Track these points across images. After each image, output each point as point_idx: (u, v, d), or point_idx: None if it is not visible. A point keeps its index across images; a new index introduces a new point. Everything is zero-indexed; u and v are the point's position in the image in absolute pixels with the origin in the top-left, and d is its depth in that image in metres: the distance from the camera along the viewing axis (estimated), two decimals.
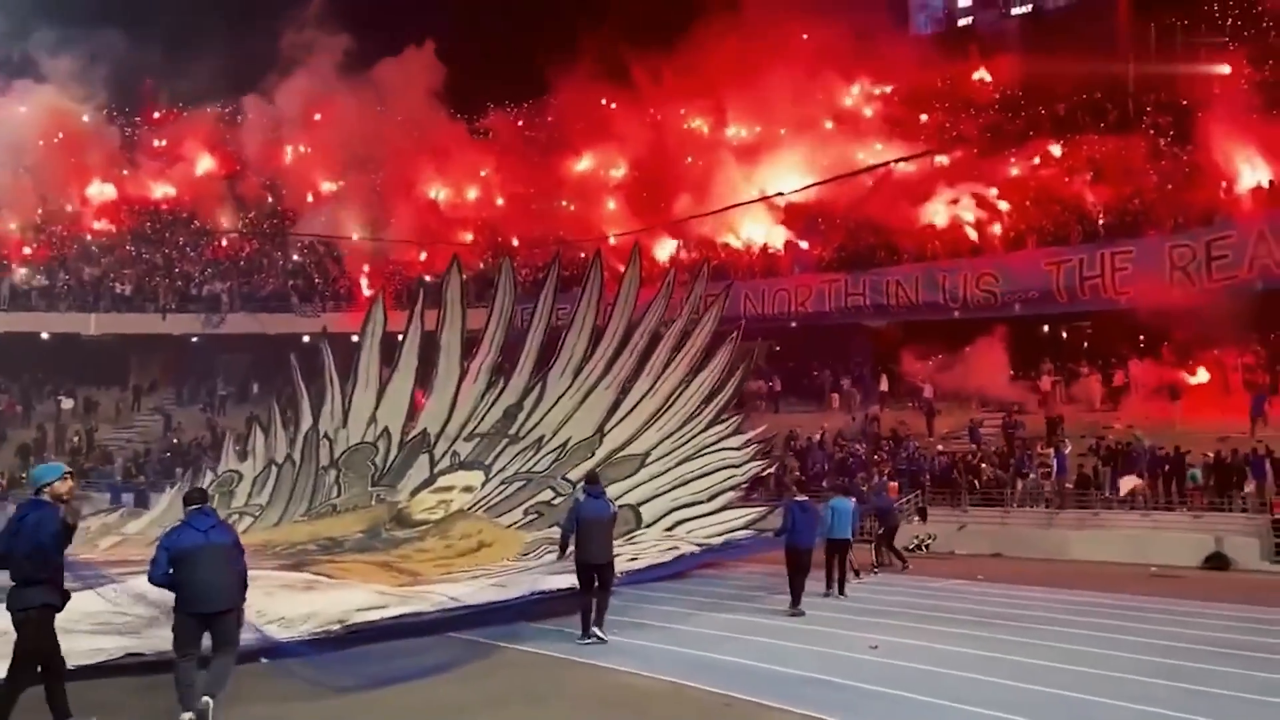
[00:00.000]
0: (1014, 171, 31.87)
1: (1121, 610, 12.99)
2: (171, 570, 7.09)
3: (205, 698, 6.91)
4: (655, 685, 8.68)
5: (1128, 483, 20.65)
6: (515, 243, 38.30)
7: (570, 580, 10.89)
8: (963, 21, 43.58)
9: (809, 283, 31.00)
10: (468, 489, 17.31)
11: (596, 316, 18.71)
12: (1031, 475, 22.29)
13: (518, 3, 48.31)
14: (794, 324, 30.92)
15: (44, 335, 35.97)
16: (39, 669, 6.69)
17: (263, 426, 20.22)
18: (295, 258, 39.78)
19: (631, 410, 18.03)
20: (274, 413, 20.32)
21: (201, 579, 7.02)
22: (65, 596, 6.80)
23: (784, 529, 12.73)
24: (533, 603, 11.23)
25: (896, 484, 23.02)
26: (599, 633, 10.23)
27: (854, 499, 15.49)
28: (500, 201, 42.69)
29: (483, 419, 18.53)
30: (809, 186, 32.31)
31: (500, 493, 17.07)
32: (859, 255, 30.92)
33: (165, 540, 7.25)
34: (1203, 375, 24.48)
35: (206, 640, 7.18)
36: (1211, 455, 20.26)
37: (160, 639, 7.86)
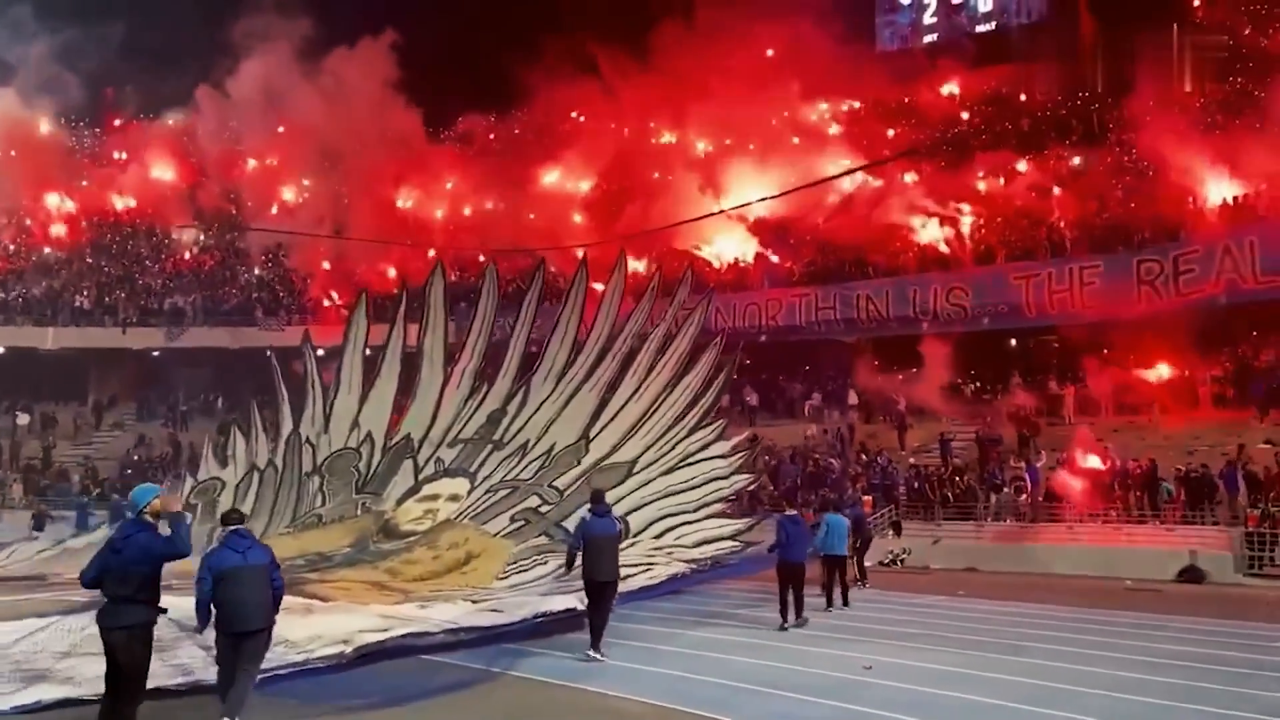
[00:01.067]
0: (981, 187, 32.19)
1: (1104, 625, 13.03)
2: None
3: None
4: (643, 710, 8.52)
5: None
6: (481, 258, 37.99)
7: (567, 601, 11.19)
8: (928, 38, 43.96)
9: (779, 297, 31.06)
10: (454, 497, 17.19)
11: (579, 323, 18.61)
12: (1005, 489, 22.39)
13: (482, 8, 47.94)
14: (764, 338, 30.95)
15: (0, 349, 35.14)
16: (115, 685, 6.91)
17: (243, 431, 19.84)
18: (259, 271, 39.12)
19: (616, 415, 17.91)
20: (254, 417, 19.92)
21: (240, 598, 7.35)
22: (158, 613, 7.04)
23: (776, 544, 12.74)
24: (535, 625, 11.27)
25: (870, 498, 23.03)
26: (596, 654, 10.25)
27: (847, 513, 15.63)
28: (467, 211, 42.35)
29: (466, 424, 18.38)
30: (781, 194, 32.33)
31: (486, 500, 16.94)
32: (829, 269, 31.05)
33: (208, 560, 7.51)
34: (1169, 387, 24.81)
35: None
36: (1183, 469, 20.47)
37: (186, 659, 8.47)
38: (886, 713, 8.38)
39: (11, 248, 39.77)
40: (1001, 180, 32.28)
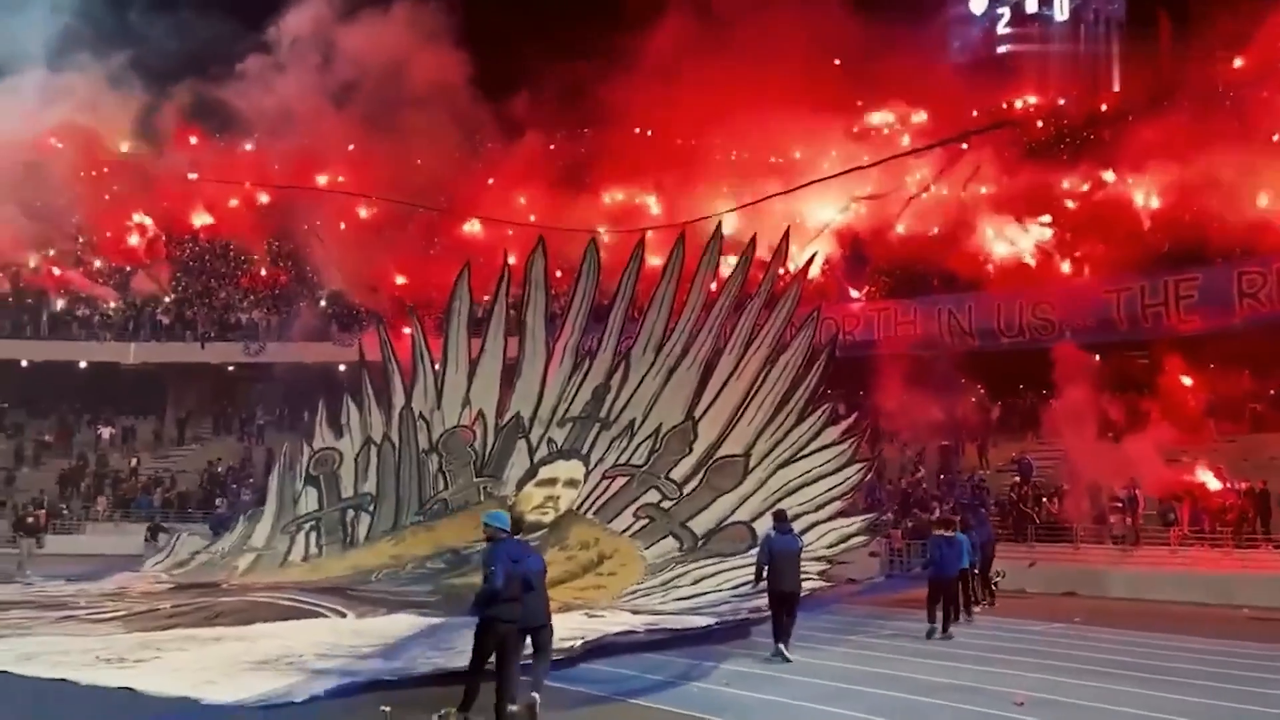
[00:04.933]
0: (1069, 203, 31.28)
1: (1246, 658, 12.33)
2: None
3: (534, 694, 8.16)
4: None
5: None
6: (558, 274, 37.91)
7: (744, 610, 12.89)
8: (1002, 48, 43.11)
9: (857, 310, 30.47)
10: (571, 482, 17.75)
11: (675, 293, 18.76)
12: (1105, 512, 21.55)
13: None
14: (838, 353, 30.25)
15: (82, 364, 35.86)
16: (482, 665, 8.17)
17: (356, 402, 20.06)
18: (333, 287, 39.47)
19: (719, 393, 17.90)
20: (366, 387, 20.18)
21: (513, 594, 8.14)
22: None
23: (929, 562, 13.98)
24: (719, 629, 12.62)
25: (960, 518, 22.30)
26: (785, 652, 11.37)
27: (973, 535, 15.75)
28: (532, 218, 42.26)
29: (572, 401, 18.82)
30: (866, 198, 31.81)
31: (605, 490, 17.37)
32: (909, 283, 30.40)
33: (498, 561, 8.16)
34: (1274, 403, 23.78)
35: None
36: None
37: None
38: None
39: (96, 264, 40.61)
40: (1086, 186, 31.36)
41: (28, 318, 36.59)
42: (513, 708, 8.06)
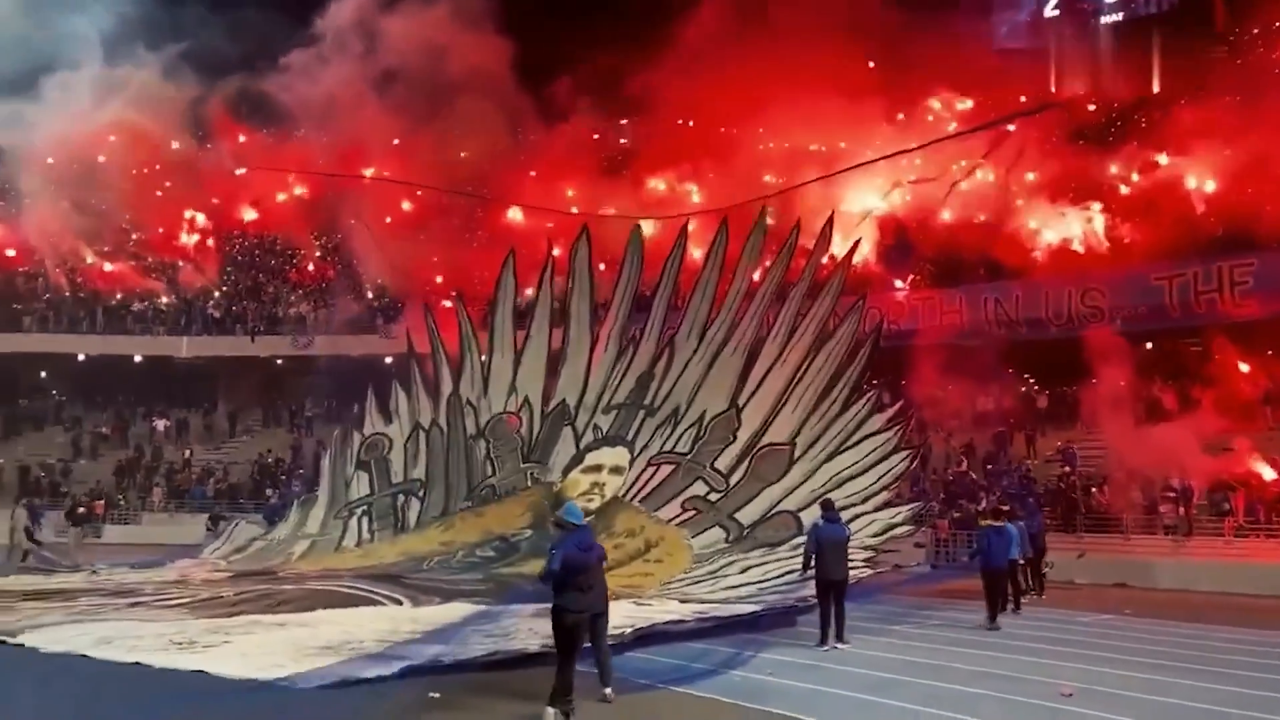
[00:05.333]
0: (1122, 187, 30.73)
1: None
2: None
3: (606, 689, 8.76)
4: None
5: None
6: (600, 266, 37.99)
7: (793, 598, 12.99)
8: (1050, 32, 42.31)
9: (901, 299, 30.21)
10: (616, 469, 17.98)
11: (719, 279, 18.75)
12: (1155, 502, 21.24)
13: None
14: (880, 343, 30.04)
15: (137, 358, 36.68)
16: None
17: (405, 388, 20.43)
18: (379, 279, 39.94)
19: (762, 380, 17.93)
20: (414, 373, 20.54)
21: (587, 584, 8.55)
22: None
23: (977, 552, 14.08)
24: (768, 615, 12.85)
25: (1008, 508, 22.10)
26: (839, 644, 11.57)
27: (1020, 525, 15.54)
28: (574, 210, 42.38)
29: (617, 388, 18.98)
30: (912, 181, 31.48)
31: (650, 478, 17.55)
32: (953, 271, 30.08)
33: (560, 546, 8.62)
34: None
35: None
36: None
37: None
38: None
39: (148, 259, 41.44)
40: (1136, 175, 30.79)
41: (84, 313, 37.51)
42: (607, 690, 8.66)
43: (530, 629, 10.92)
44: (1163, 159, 30.78)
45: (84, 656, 10.52)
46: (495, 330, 20.04)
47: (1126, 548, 20.82)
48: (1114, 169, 31.28)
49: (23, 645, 11.16)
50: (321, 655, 10.33)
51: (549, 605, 8.57)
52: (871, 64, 38.70)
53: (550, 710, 8.16)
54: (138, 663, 10.19)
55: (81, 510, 26.33)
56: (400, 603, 13.90)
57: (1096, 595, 17.82)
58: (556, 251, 21.34)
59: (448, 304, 35.74)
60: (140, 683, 9.58)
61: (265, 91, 43.28)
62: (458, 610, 13.01)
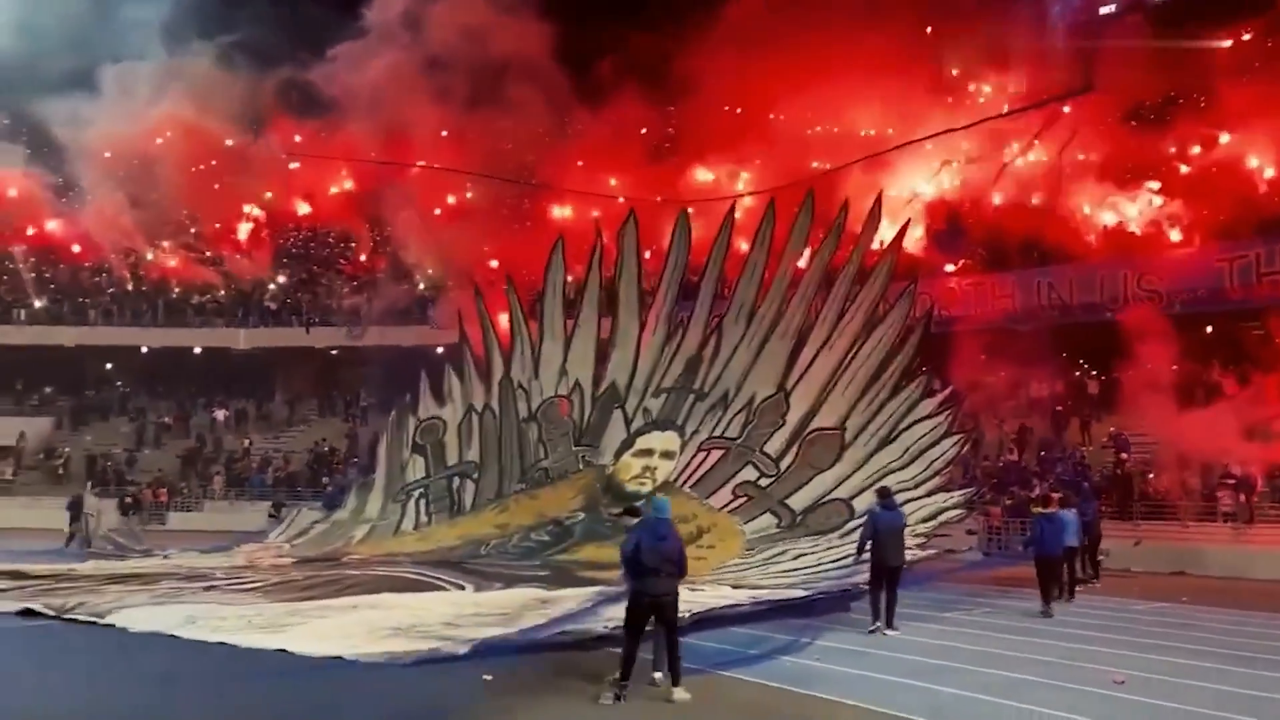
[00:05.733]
0: (1182, 167, 30.02)
1: None
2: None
3: (657, 672, 8.75)
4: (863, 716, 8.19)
5: None
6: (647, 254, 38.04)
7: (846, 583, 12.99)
8: (1105, 9, 41.32)
9: (953, 284, 29.92)
10: (667, 453, 18.13)
11: (766, 261, 18.73)
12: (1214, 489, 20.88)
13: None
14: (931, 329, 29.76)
15: (196, 350, 37.62)
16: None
17: (457, 372, 20.79)
18: (429, 270, 40.44)
19: (811, 364, 17.90)
20: (467, 355, 20.87)
21: (653, 567, 8.63)
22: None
23: (1031, 540, 14.03)
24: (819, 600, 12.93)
25: (1059, 495, 21.87)
26: (887, 629, 11.57)
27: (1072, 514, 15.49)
28: (621, 200, 42.44)
29: (666, 371, 19.07)
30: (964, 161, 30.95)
31: (702, 463, 17.65)
32: (1005, 255, 29.70)
33: (636, 530, 9.09)
34: None
35: None
36: None
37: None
38: None
39: (206, 253, 42.39)
40: (1197, 149, 30.05)
41: (146, 306, 38.53)
42: (656, 675, 8.72)
43: (593, 613, 11.11)
44: (1224, 138, 30.04)
45: (172, 636, 11.10)
46: (545, 315, 20.22)
47: (1184, 535, 20.51)
48: (1171, 149, 30.54)
49: (112, 625, 11.77)
50: (393, 637, 10.70)
51: (606, 590, 8.77)
52: (929, 29, 38.19)
53: (607, 693, 8.38)
54: (222, 642, 10.71)
55: (129, 500, 27.25)
56: (463, 587, 14.22)
57: (1153, 583, 17.60)
58: (604, 238, 21.44)
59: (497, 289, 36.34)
60: (225, 662, 10.09)
61: (314, 82, 44.01)
62: (520, 595, 13.30)
